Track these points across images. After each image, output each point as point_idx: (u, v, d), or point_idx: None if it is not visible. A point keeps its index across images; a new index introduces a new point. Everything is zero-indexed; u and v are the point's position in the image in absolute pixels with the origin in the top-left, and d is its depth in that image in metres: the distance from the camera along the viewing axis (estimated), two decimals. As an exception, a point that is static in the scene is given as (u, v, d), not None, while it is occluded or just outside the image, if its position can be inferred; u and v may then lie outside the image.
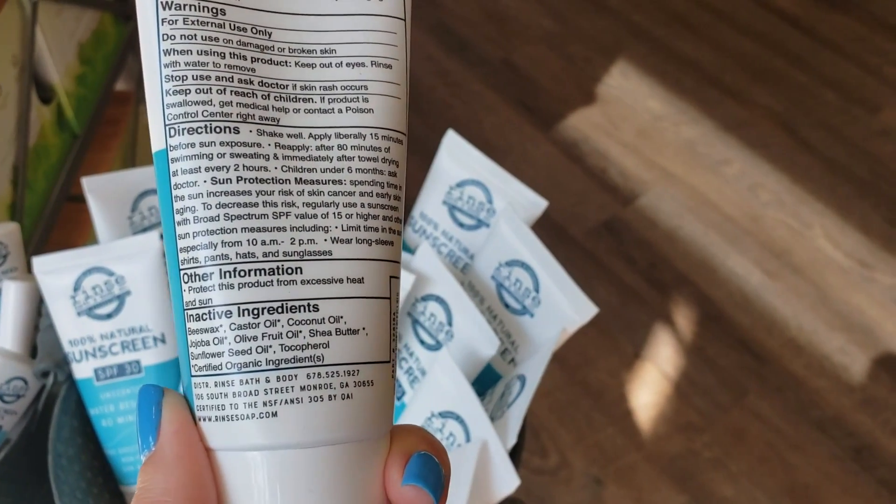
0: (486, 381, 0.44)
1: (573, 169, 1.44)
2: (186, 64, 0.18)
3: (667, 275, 1.34)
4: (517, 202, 0.44)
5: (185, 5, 0.19)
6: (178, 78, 0.18)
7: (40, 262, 0.45)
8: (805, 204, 1.45)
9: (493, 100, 1.54)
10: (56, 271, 0.45)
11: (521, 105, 1.53)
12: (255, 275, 0.18)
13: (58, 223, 0.86)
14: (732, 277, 1.34)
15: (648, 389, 1.21)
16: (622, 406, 1.19)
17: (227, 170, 0.18)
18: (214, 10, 0.19)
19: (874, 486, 1.13)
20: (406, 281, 0.41)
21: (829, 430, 1.18)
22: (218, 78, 0.18)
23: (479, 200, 0.46)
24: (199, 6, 0.19)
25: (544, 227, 1.37)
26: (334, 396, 0.18)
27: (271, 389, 0.18)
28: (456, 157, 0.46)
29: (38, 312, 0.50)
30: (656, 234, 1.38)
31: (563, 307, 0.40)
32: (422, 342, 0.43)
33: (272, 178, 0.18)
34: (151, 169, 0.48)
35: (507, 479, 0.35)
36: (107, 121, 0.96)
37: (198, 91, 0.18)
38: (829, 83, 1.65)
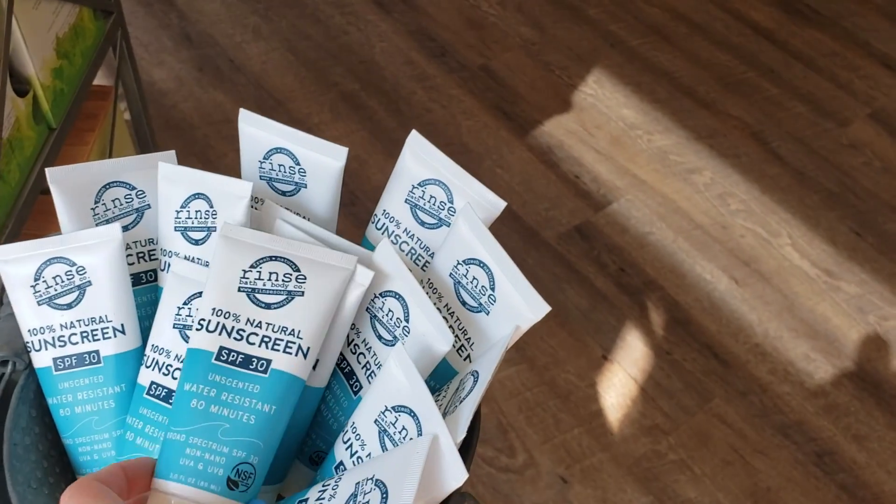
0: (441, 377, 0.45)
1: (547, 174, 1.46)
2: None
3: (636, 279, 1.35)
4: (477, 203, 0.45)
5: None
6: None
7: (1, 251, 0.45)
8: (773, 213, 1.47)
9: (470, 104, 1.55)
10: (17, 260, 0.45)
11: (499, 110, 1.54)
12: None
13: (31, 215, 0.86)
14: (700, 283, 1.36)
15: (615, 391, 1.23)
16: (589, 407, 1.20)
17: None
18: None
19: (835, 491, 1.15)
20: (365, 277, 0.42)
21: (792, 434, 1.20)
22: None
23: (441, 200, 0.47)
24: None
25: (517, 231, 1.38)
26: None
27: None
28: (419, 156, 0.47)
29: (-1, 301, 0.50)
30: (627, 239, 1.40)
31: (517, 305, 0.41)
32: (379, 337, 0.43)
33: None
34: (116, 161, 0.48)
35: (456, 472, 0.36)
36: (85, 115, 0.97)
37: None
38: (800, 96, 1.68)
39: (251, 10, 1.69)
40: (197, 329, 0.40)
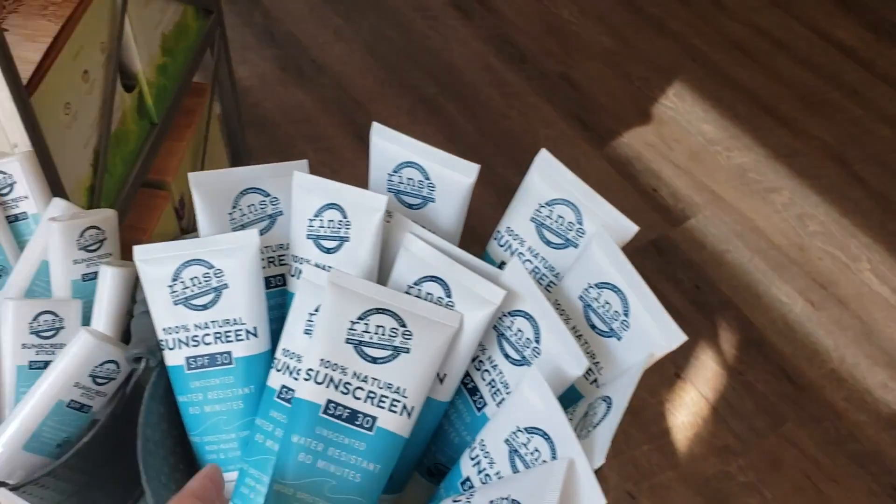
0: (565, 400, 0.45)
1: (625, 186, 1.45)
2: None
3: (711, 297, 1.34)
4: (608, 225, 0.45)
5: None
6: None
7: (141, 251, 0.46)
8: (853, 237, 1.44)
9: (549, 113, 1.55)
10: (156, 260, 0.46)
11: (577, 120, 1.54)
12: None
13: (133, 207, 0.88)
14: (776, 304, 1.34)
15: (687, 410, 1.22)
16: (660, 424, 1.20)
17: None
18: None
19: (909, 526, 1.12)
20: (496, 296, 0.43)
21: (867, 464, 1.18)
22: None
23: (569, 220, 0.47)
24: None
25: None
26: None
27: None
28: (547, 175, 0.48)
29: (132, 299, 0.52)
30: (704, 256, 1.39)
31: (651, 333, 0.41)
32: (507, 356, 0.44)
33: None
34: (253, 168, 0.49)
35: (593, 498, 0.36)
36: (183, 111, 0.99)
37: None
38: (884, 118, 1.64)
39: (334, 10, 1.71)
40: (305, 379, 0.41)
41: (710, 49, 1.71)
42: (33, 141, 0.69)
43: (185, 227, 1.01)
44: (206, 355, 0.46)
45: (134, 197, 0.89)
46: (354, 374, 0.41)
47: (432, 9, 1.73)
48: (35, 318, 0.49)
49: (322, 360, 0.41)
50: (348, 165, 1.45)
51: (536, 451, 0.39)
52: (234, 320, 0.46)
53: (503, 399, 0.44)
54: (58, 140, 0.73)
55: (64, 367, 0.48)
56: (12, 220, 0.52)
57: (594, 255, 0.44)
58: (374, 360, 0.41)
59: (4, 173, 0.51)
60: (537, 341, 0.42)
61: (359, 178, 1.50)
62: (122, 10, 0.80)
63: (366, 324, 0.42)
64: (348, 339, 0.42)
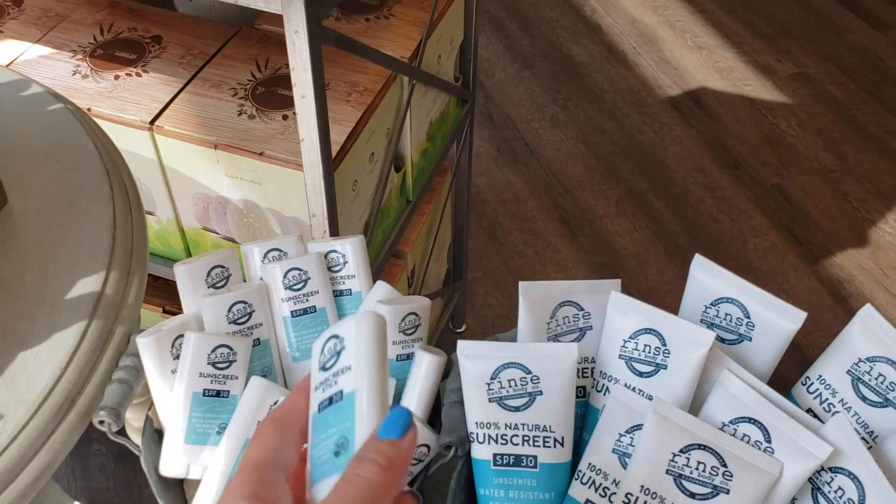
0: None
1: (835, 309, 1.40)
2: None
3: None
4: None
5: None
6: None
7: (465, 346, 0.50)
8: None
9: (760, 222, 1.52)
10: (478, 357, 0.50)
11: (789, 233, 1.51)
12: None
13: (381, 276, 0.94)
14: None
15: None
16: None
17: None
18: None
19: None
20: (822, 451, 0.43)
21: None
22: None
23: (891, 380, 0.47)
24: None
25: (796, 360, 1.33)
26: None
27: None
28: (870, 331, 0.48)
29: (438, 388, 0.55)
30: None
31: None
32: (821, 511, 0.44)
33: None
34: (573, 283, 0.52)
35: None
36: (428, 188, 1.05)
37: None
38: None
39: (552, 99, 1.77)
40: (624, 502, 0.43)
41: (937, 177, 1.64)
42: (329, 213, 0.75)
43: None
44: (512, 455, 0.49)
45: (383, 267, 0.95)
46: None
47: (649, 105, 1.76)
48: (213, 351, 0.52)
49: (642, 486, 0.43)
50: (550, 249, 1.47)
51: None
52: (544, 427, 0.49)
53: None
54: (344, 213, 0.79)
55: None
56: (337, 294, 0.57)
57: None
58: (692, 496, 0.43)
59: (338, 253, 0.57)
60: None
61: (560, 263, 1.53)
62: (407, 101, 0.87)
63: (687, 458, 0.43)
64: (668, 469, 0.43)
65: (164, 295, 0.99)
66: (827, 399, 0.49)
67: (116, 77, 0.85)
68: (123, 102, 0.82)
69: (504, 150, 1.66)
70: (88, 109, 0.81)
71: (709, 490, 0.43)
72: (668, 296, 1.35)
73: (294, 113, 0.79)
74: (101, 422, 0.50)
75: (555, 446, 0.49)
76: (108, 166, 0.62)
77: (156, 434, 0.54)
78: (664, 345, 0.48)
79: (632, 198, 1.57)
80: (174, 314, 0.83)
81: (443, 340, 1.29)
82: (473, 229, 1.49)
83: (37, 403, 0.49)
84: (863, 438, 0.48)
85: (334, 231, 0.77)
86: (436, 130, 1.00)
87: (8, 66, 0.84)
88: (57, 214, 0.58)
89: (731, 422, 0.46)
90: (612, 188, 1.59)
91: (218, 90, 0.83)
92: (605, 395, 0.50)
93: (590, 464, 0.48)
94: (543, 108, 1.75)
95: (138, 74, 0.85)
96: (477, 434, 0.50)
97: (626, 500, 0.43)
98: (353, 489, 0.28)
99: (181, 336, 0.53)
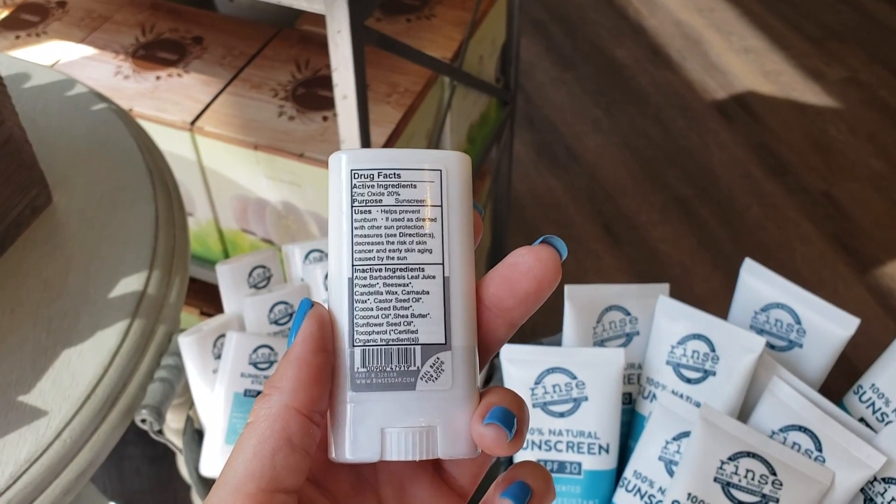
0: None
1: (885, 320, 1.36)
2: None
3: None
4: None
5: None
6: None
7: (509, 350, 0.49)
8: None
9: (808, 230, 1.49)
10: (522, 362, 0.49)
11: (838, 242, 1.48)
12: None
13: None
14: None
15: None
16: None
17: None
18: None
19: None
20: (874, 460, 0.41)
21: None
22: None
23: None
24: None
25: (844, 373, 1.30)
26: None
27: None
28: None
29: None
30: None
31: None
32: (877, 523, 0.42)
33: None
34: (620, 287, 0.51)
35: None
36: (471, 193, 1.04)
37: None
38: None
39: (594, 102, 1.75)
40: None
41: None
42: (370, 216, 0.75)
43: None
44: (556, 461, 0.48)
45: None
46: None
47: (694, 110, 1.73)
48: (254, 351, 0.52)
49: (689, 494, 0.42)
50: (592, 255, 1.46)
51: None
52: (589, 433, 0.48)
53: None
54: (385, 216, 0.78)
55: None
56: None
57: None
58: None
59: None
60: (921, 517, 0.41)
61: (602, 270, 1.51)
62: (448, 102, 0.87)
63: (735, 465, 0.42)
64: (717, 477, 0.42)
65: (202, 297, 0.99)
66: (880, 408, 0.47)
67: (158, 78, 0.85)
68: (164, 103, 0.82)
69: (545, 155, 1.65)
70: (130, 110, 0.82)
71: (758, 499, 0.41)
72: (712, 305, 1.32)
73: (334, 114, 0.79)
74: (144, 420, 0.50)
75: (600, 453, 0.48)
76: (151, 166, 0.62)
77: (196, 434, 0.54)
78: (713, 351, 0.47)
79: (676, 204, 1.55)
80: (211, 316, 0.83)
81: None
82: (512, 235, 1.48)
83: (80, 401, 0.49)
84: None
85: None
86: (476, 132, 0.99)
87: (52, 66, 0.85)
88: (100, 214, 0.58)
89: (780, 430, 0.44)
90: (655, 194, 1.57)
91: (258, 91, 0.83)
92: (651, 401, 0.49)
93: (635, 471, 0.47)
94: (586, 111, 1.73)
95: (179, 75, 0.86)
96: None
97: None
98: None
99: (222, 336, 0.53)
